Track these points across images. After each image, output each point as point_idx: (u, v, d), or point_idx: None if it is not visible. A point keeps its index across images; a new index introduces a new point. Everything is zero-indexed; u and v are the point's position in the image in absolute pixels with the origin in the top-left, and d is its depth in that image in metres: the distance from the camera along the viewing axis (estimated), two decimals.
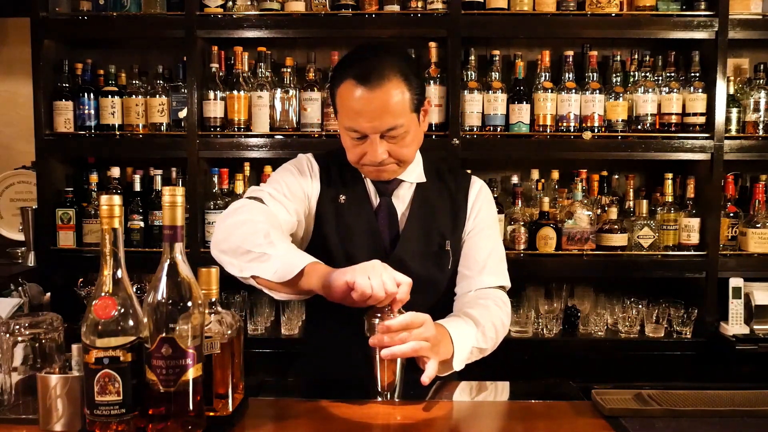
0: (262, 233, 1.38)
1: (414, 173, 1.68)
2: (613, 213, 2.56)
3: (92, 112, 2.63)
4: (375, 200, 1.67)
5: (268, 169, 2.59)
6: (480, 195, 1.74)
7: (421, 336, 1.29)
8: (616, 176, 2.77)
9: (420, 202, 1.68)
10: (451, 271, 1.69)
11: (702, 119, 2.55)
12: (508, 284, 1.71)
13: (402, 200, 1.68)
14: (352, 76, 1.49)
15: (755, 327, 2.53)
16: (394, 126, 1.50)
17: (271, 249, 1.36)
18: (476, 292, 1.65)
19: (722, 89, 2.52)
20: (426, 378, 1.32)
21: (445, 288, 1.69)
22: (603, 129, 2.57)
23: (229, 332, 1.19)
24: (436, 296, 1.65)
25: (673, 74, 2.61)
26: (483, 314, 1.55)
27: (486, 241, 1.70)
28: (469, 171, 2.01)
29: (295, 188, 1.62)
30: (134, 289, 1.11)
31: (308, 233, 1.67)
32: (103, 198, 1.07)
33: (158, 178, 2.64)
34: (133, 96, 2.64)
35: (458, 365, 1.45)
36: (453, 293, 1.71)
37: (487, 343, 1.54)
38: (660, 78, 2.62)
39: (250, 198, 1.57)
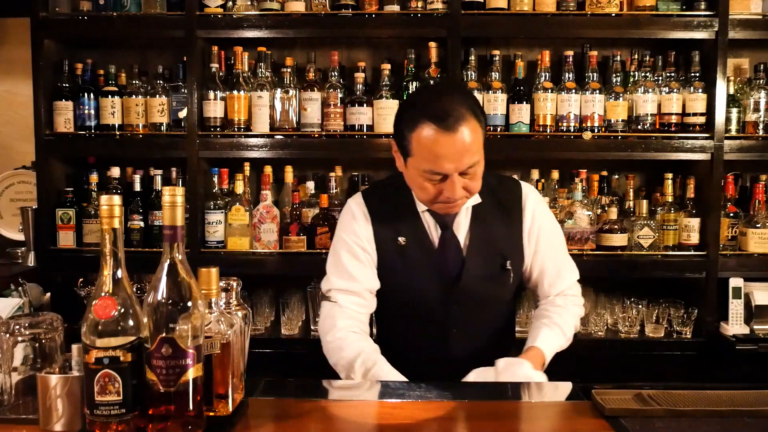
0: (352, 371, 1.60)
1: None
2: (613, 213, 2.56)
3: (92, 112, 2.63)
4: (436, 234, 1.70)
5: (267, 169, 2.59)
6: (532, 202, 1.77)
7: None
8: (616, 176, 2.77)
9: (478, 225, 1.71)
10: (513, 285, 1.77)
11: (702, 119, 2.55)
12: (578, 274, 1.85)
13: (462, 228, 1.71)
14: (429, 119, 1.50)
15: (755, 327, 2.53)
16: (473, 164, 1.54)
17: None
18: (556, 297, 1.81)
19: (722, 89, 2.52)
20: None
21: (507, 302, 1.83)
22: (603, 129, 2.57)
23: (230, 332, 1.19)
24: (498, 312, 1.81)
25: (673, 74, 2.61)
26: (568, 320, 1.75)
27: (553, 249, 1.79)
28: (516, 176, 2.05)
29: (355, 263, 1.71)
30: (134, 289, 1.11)
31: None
32: (103, 198, 1.07)
33: (158, 178, 2.64)
34: (133, 96, 2.64)
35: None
36: (513, 304, 1.88)
37: (569, 341, 1.77)
38: (660, 78, 2.62)
39: (330, 300, 1.73)
